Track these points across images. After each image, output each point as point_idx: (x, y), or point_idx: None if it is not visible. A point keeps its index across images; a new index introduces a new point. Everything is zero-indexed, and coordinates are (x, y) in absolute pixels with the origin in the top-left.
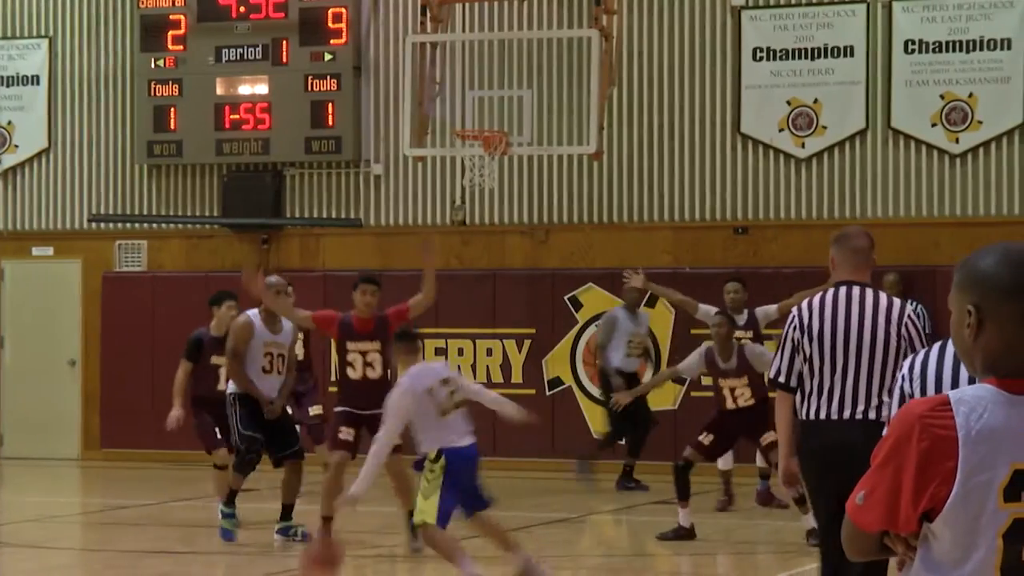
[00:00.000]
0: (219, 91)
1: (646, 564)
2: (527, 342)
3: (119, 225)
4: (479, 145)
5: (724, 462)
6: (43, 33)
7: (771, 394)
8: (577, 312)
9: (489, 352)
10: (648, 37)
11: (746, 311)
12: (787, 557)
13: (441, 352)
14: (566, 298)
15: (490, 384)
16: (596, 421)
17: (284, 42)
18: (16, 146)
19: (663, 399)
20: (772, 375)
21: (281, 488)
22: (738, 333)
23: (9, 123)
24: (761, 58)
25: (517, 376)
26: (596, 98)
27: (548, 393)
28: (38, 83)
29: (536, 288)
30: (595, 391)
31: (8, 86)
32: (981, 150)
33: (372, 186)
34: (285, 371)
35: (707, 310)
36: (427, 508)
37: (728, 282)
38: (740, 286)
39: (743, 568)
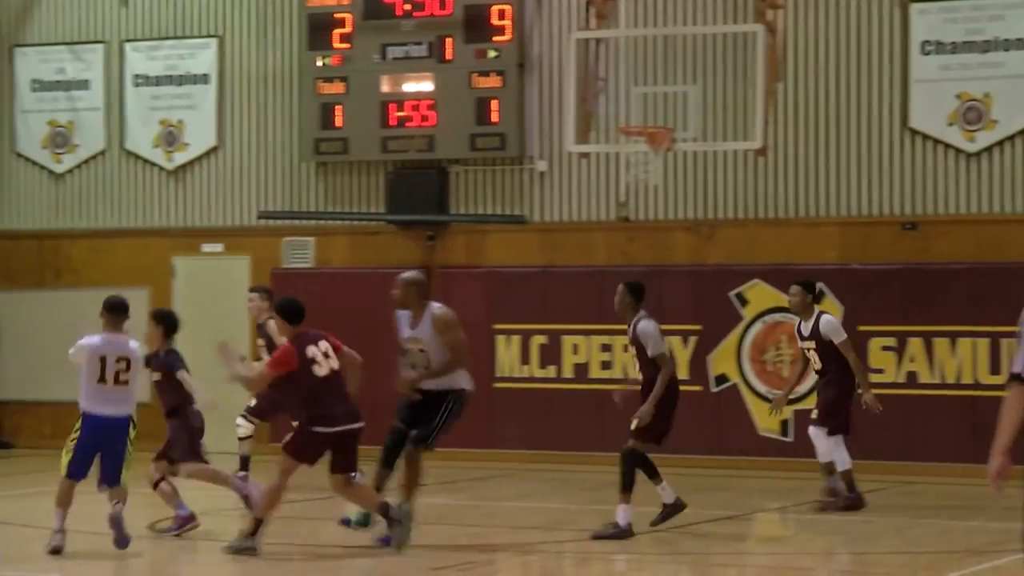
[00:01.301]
0: (384, 88)
1: (816, 562)
2: (692, 339)
3: (287, 222)
4: (644, 141)
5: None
6: (212, 32)
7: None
8: (743, 308)
9: None
10: (814, 31)
11: (815, 314)
12: (958, 557)
13: (607, 349)
14: (731, 294)
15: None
16: (762, 418)
17: (448, 39)
18: (187, 144)
19: None
20: (1014, 369)
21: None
22: (805, 344)
23: (180, 122)
24: (930, 52)
25: (683, 372)
26: (761, 93)
27: (714, 390)
28: (208, 82)
29: (701, 284)
30: (761, 387)
31: (179, 85)
32: None
33: (536, 183)
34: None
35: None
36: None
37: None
38: (801, 288)
39: (914, 568)
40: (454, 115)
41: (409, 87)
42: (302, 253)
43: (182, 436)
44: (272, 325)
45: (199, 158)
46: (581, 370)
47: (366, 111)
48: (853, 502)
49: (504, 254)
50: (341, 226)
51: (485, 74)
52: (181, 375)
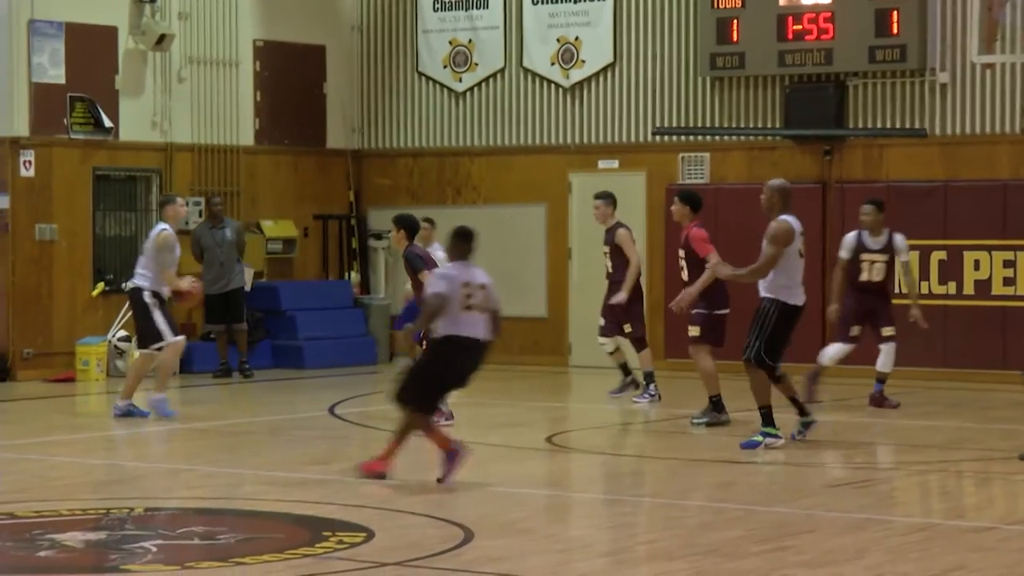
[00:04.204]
0: (782, 2)
1: None
2: None
3: (682, 138)
4: None
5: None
6: None
7: None
8: None
9: None
10: None
11: (885, 232)
12: None
13: (1009, 265)
14: None
15: None
16: None
17: None
18: (583, 61)
19: None
20: None
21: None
22: (872, 256)
23: (577, 39)
24: None
25: None
26: None
27: None
28: None
29: None
30: None
31: (576, 2)
32: None
33: (938, 95)
34: None
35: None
36: None
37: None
38: (874, 208)
39: None
40: (853, 27)
41: (807, 0)
42: (697, 168)
43: None
44: (622, 234)
45: (595, 75)
46: (982, 287)
47: (763, 25)
48: None
49: (903, 168)
50: (736, 141)
51: None
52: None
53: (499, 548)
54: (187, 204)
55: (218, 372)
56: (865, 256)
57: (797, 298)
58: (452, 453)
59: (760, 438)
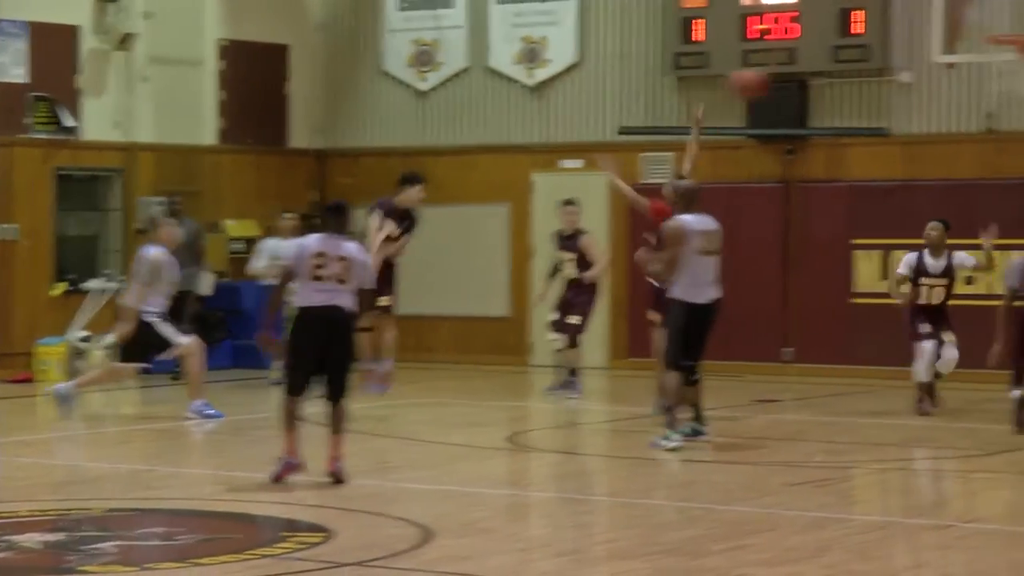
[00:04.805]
0: (746, 1)
1: None
2: None
3: (646, 137)
4: (1015, 49)
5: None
6: None
7: None
8: None
9: None
10: None
11: (945, 253)
12: None
13: None
14: None
15: None
16: None
17: None
18: (548, 61)
19: None
20: None
21: None
22: (932, 281)
23: (542, 38)
24: None
25: None
26: None
27: None
28: None
29: None
30: None
31: (542, 2)
32: None
33: (900, 95)
34: None
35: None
36: None
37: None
38: (940, 226)
39: None
40: (817, 27)
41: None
42: (661, 168)
43: None
44: (587, 239)
45: (560, 74)
46: None
47: (727, 24)
48: None
49: (865, 168)
50: (700, 141)
51: None
52: None
53: (459, 548)
54: (151, 204)
55: (175, 373)
56: (924, 280)
57: (701, 296)
58: (290, 463)
59: (667, 438)
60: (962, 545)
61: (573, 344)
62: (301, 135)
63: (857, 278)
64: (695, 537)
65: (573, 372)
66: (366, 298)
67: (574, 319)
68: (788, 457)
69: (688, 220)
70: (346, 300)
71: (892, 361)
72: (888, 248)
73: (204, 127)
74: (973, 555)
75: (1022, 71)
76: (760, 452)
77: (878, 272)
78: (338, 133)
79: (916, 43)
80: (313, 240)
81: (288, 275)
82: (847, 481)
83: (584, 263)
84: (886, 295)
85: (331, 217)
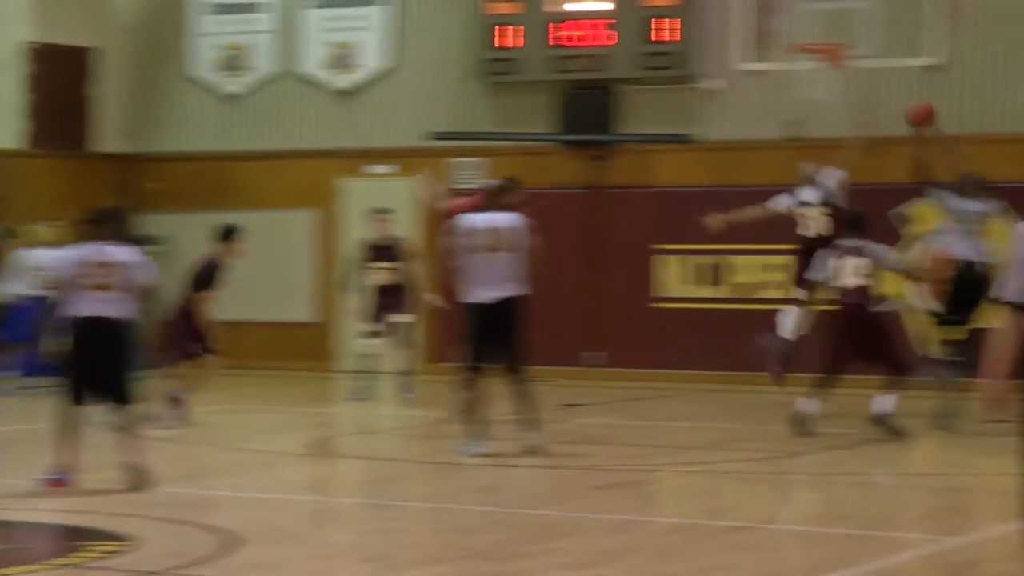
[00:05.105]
0: (555, 8)
1: None
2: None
3: (456, 143)
4: (817, 58)
5: None
6: None
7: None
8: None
9: None
10: None
11: None
12: None
13: (770, 269)
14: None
15: None
16: None
17: None
18: (359, 66)
19: None
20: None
21: None
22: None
23: (353, 44)
24: None
25: None
26: (945, 5)
27: None
28: (380, 3)
29: (870, 204)
30: None
31: (353, 7)
32: None
33: (706, 101)
34: None
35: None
36: None
37: None
38: None
39: None
40: (626, 34)
41: (581, 6)
42: (472, 173)
43: None
44: (408, 245)
45: (371, 80)
46: (746, 290)
47: (536, 31)
48: None
49: (672, 174)
50: (512, 146)
51: None
52: None
53: (264, 555)
54: None
55: None
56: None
57: (486, 296)
58: (61, 478)
59: (466, 445)
60: (763, 547)
61: (410, 345)
62: (108, 140)
63: (660, 283)
64: (502, 541)
65: (409, 372)
66: (148, 299)
67: (405, 318)
68: (594, 461)
69: (470, 217)
70: (116, 308)
71: (698, 365)
72: (692, 253)
73: (7, 131)
74: (773, 556)
75: (825, 79)
76: (567, 456)
77: (679, 277)
78: (146, 138)
79: (723, 51)
80: (79, 250)
81: (58, 285)
82: (652, 484)
83: (402, 271)
84: (689, 299)
85: (99, 224)
